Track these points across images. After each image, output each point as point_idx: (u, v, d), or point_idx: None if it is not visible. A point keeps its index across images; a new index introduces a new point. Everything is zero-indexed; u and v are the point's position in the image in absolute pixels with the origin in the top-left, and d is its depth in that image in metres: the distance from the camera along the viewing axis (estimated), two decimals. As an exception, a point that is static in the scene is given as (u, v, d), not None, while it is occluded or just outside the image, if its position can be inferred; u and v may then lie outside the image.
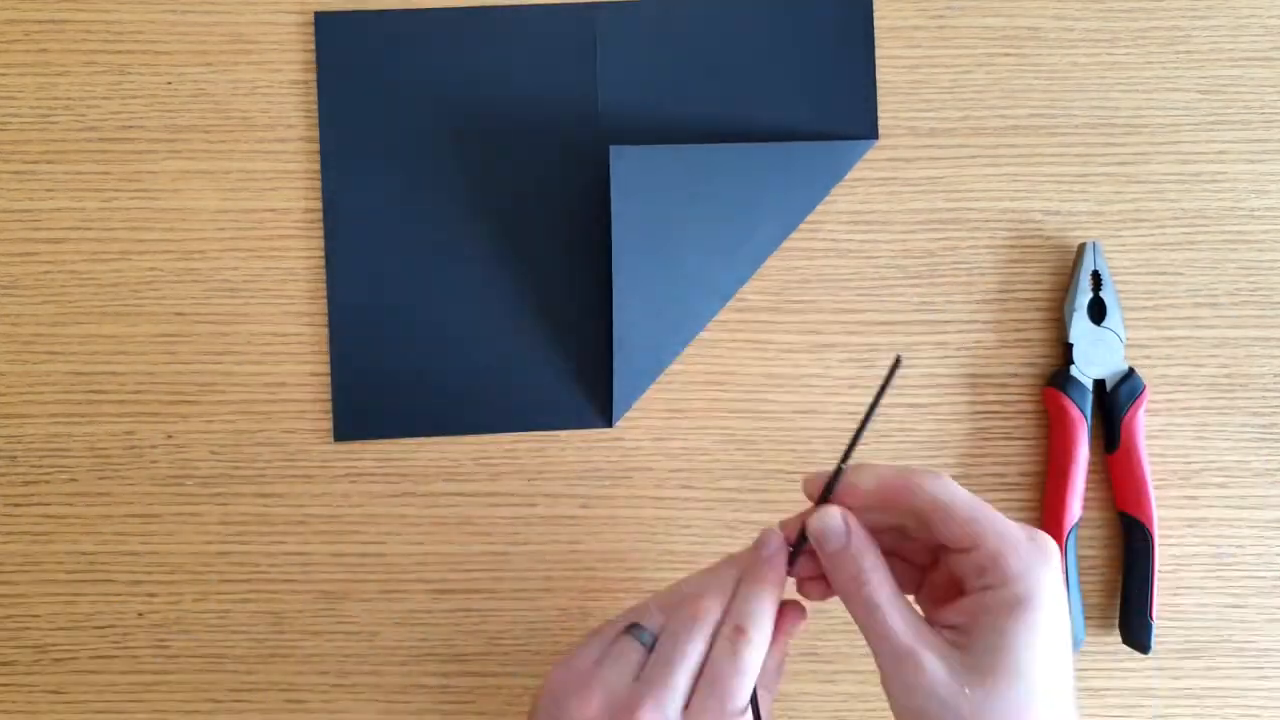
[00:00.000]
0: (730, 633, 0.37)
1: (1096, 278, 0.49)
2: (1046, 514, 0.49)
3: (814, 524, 0.37)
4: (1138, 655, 0.49)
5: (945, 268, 0.51)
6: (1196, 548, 0.50)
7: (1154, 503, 0.48)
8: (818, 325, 0.50)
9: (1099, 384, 0.49)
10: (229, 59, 0.50)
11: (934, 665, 0.34)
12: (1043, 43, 0.51)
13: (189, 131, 0.50)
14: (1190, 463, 0.50)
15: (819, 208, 0.50)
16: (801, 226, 0.50)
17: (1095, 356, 0.49)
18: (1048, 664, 0.34)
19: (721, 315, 0.50)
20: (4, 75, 0.50)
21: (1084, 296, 0.49)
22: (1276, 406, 0.50)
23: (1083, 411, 0.48)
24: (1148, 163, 0.51)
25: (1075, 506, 0.48)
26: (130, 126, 0.50)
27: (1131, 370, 0.49)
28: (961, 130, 0.51)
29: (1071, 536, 0.48)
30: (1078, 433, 0.48)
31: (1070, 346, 0.49)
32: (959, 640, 0.35)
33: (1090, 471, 0.49)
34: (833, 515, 0.37)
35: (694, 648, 0.36)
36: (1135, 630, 0.48)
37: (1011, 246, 0.51)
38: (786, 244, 0.50)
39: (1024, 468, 0.50)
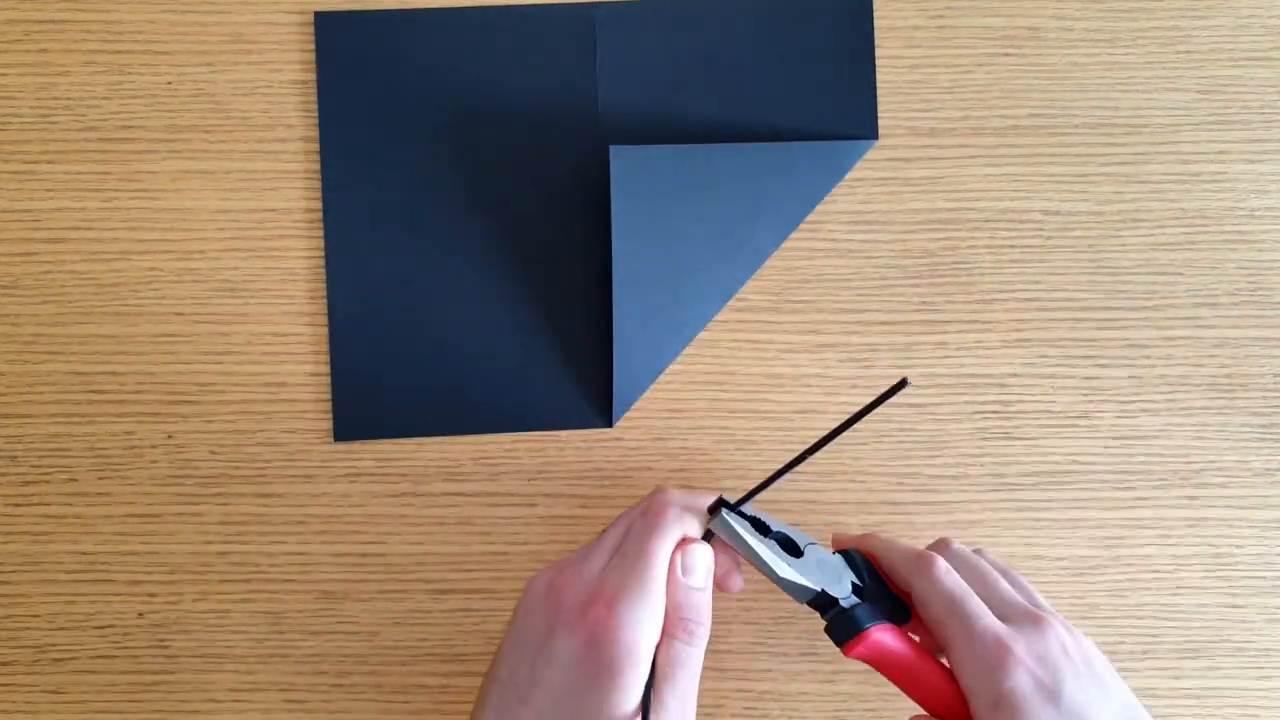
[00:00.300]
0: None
1: (758, 523, 0.40)
2: None
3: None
4: (1138, 654, 0.49)
5: (945, 268, 0.51)
6: (1196, 548, 0.50)
7: None
8: (818, 325, 0.50)
9: (858, 588, 0.40)
10: (229, 59, 0.50)
11: None
12: (1043, 43, 0.51)
13: (189, 131, 0.50)
14: (1190, 463, 0.50)
15: (819, 208, 0.50)
16: (801, 226, 0.50)
17: (832, 580, 0.40)
18: None
19: (721, 315, 0.50)
20: (4, 75, 0.50)
21: (768, 552, 0.39)
22: (1276, 406, 0.50)
23: (891, 620, 0.40)
24: (1148, 163, 0.51)
25: None
26: (130, 126, 0.50)
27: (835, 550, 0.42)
28: (961, 130, 0.51)
29: None
30: (904, 635, 0.40)
31: (824, 595, 0.39)
32: None
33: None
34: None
35: (617, 532, 0.40)
36: None
37: (1011, 246, 0.51)
38: (786, 244, 0.50)
39: (1024, 468, 0.50)
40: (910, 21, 0.51)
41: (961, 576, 0.40)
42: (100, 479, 0.49)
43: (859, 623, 0.39)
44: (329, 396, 0.49)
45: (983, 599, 0.40)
